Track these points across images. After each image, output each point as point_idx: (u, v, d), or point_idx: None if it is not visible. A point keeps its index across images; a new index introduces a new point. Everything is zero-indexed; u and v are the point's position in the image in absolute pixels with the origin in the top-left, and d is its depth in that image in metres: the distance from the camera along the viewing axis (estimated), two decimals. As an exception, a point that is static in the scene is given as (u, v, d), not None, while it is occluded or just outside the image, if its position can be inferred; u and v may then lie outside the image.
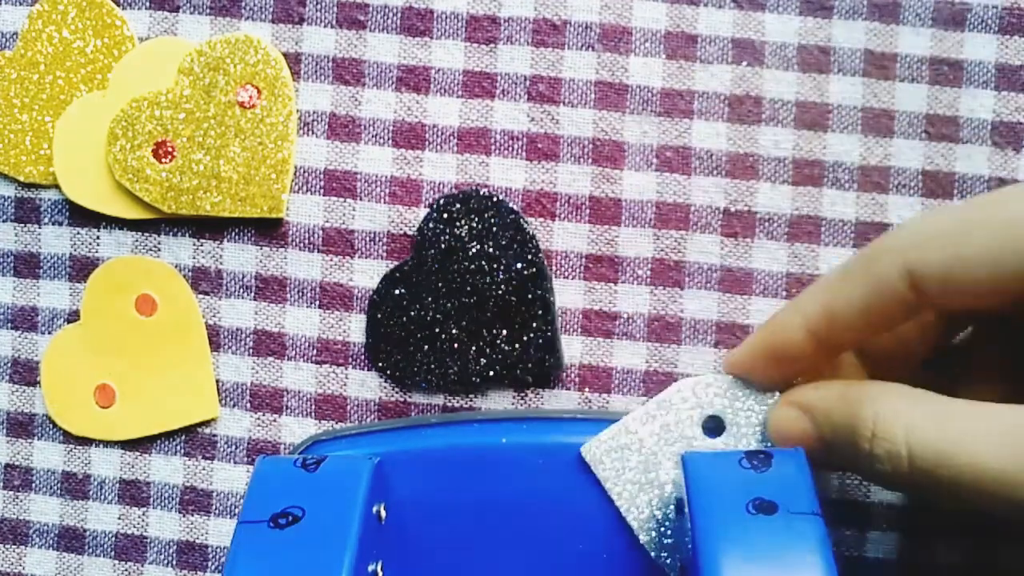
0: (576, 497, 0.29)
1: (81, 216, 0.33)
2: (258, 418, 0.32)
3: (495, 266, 0.31)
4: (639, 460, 0.29)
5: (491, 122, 0.31)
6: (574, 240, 0.31)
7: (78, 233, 0.33)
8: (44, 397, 0.33)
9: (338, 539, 0.24)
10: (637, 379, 0.31)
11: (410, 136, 0.31)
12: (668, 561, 0.29)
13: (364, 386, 0.32)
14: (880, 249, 0.25)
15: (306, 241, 0.32)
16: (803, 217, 0.31)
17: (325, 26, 0.32)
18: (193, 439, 0.33)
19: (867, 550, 0.31)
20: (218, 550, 0.33)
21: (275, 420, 0.32)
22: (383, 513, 0.28)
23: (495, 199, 0.31)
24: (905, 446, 0.23)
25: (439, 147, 0.31)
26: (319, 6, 0.32)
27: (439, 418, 0.31)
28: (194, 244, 0.32)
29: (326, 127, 0.32)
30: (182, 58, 0.31)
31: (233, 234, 0.32)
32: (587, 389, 0.31)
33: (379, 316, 0.31)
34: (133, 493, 0.33)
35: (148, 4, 0.32)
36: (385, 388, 0.32)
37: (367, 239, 0.32)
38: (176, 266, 0.32)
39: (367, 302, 0.32)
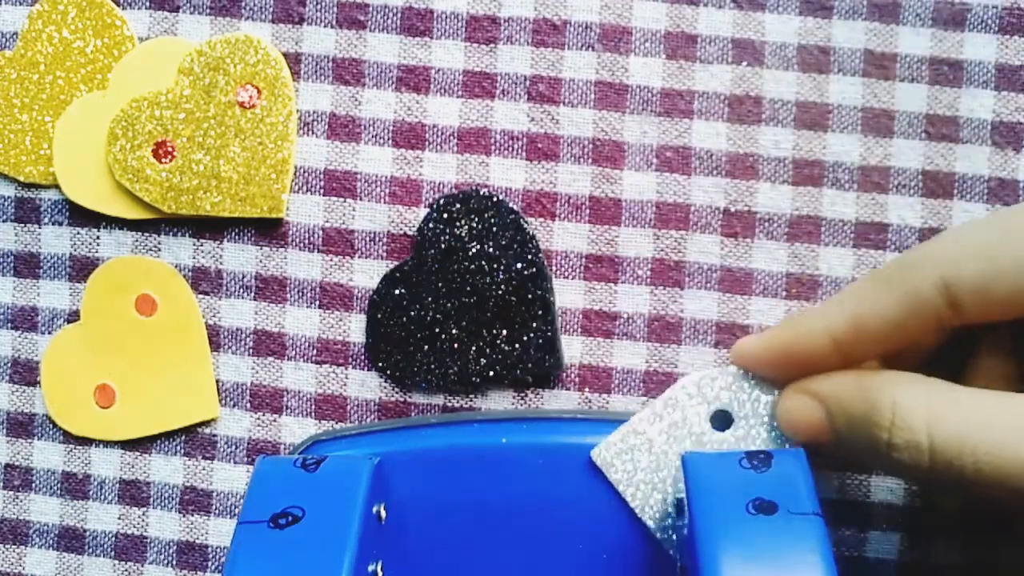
0: (576, 497, 0.29)
1: (81, 216, 0.33)
2: (258, 418, 0.32)
3: (495, 266, 0.31)
4: (650, 460, 0.29)
5: (491, 122, 0.31)
6: (574, 240, 0.31)
7: (78, 233, 0.33)
8: (44, 397, 0.33)
9: (338, 539, 0.24)
10: (637, 379, 0.31)
11: (410, 136, 0.31)
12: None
13: (364, 386, 0.32)
14: (913, 262, 0.24)
15: (306, 241, 0.32)
16: (803, 217, 0.31)
17: (325, 26, 0.32)
18: (193, 439, 0.33)
19: (867, 550, 0.31)
20: (218, 550, 0.33)
21: (275, 420, 0.32)
22: (383, 513, 0.28)
23: (495, 199, 0.31)
24: (926, 435, 0.23)
25: (439, 147, 0.31)
26: (319, 6, 0.32)
27: (439, 418, 0.31)
28: (194, 244, 0.32)
29: (326, 127, 0.32)
30: (182, 58, 0.31)
31: (233, 234, 0.32)
32: (587, 389, 0.31)
33: (379, 316, 0.31)
34: (133, 493, 0.33)
35: (148, 4, 0.32)
36: (385, 388, 0.32)
37: (367, 239, 0.32)
38: (176, 266, 0.32)
39: (367, 302, 0.32)
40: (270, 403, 0.32)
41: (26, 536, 0.33)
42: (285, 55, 0.32)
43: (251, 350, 0.32)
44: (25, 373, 0.33)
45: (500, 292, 0.31)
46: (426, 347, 0.31)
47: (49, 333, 0.33)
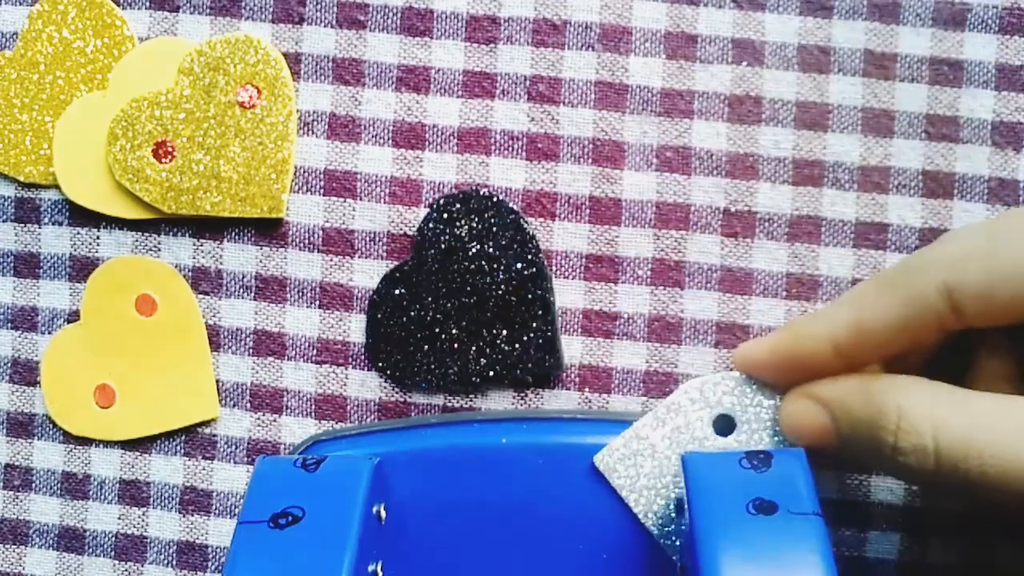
0: (576, 497, 0.29)
1: (81, 216, 0.33)
2: (258, 418, 0.32)
3: (495, 266, 0.31)
4: (653, 465, 0.29)
5: (491, 122, 0.31)
6: (574, 240, 0.31)
7: (78, 233, 0.33)
8: (44, 397, 0.33)
9: (338, 539, 0.24)
10: (637, 379, 0.31)
11: (410, 136, 0.31)
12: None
13: (364, 386, 0.32)
14: (916, 266, 0.24)
15: (306, 241, 0.32)
16: (803, 217, 0.31)
17: (325, 26, 0.32)
18: (193, 439, 0.33)
19: (867, 550, 0.31)
20: (218, 550, 0.33)
21: (275, 420, 0.32)
22: (383, 513, 0.28)
23: (495, 199, 0.31)
24: (932, 439, 0.23)
25: (439, 147, 0.31)
26: (319, 6, 0.32)
27: (439, 418, 0.31)
28: (194, 244, 0.32)
29: (326, 127, 0.32)
30: (182, 58, 0.31)
31: (233, 234, 0.32)
32: (587, 389, 0.31)
33: (379, 316, 0.31)
34: (133, 493, 0.33)
35: (148, 4, 0.32)
36: (385, 388, 0.32)
37: (367, 239, 0.32)
38: (176, 266, 0.32)
39: (367, 302, 0.32)
40: (270, 403, 0.32)
41: (26, 536, 0.33)
42: (285, 55, 0.32)
43: (251, 350, 0.32)
44: (25, 373, 0.33)
45: (500, 292, 0.31)
46: (426, 347, 0.31)
47: (49, 333, 0.33)
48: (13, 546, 0.33)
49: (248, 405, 0.32)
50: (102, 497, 0.33)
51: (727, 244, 0.31)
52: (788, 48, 0.31)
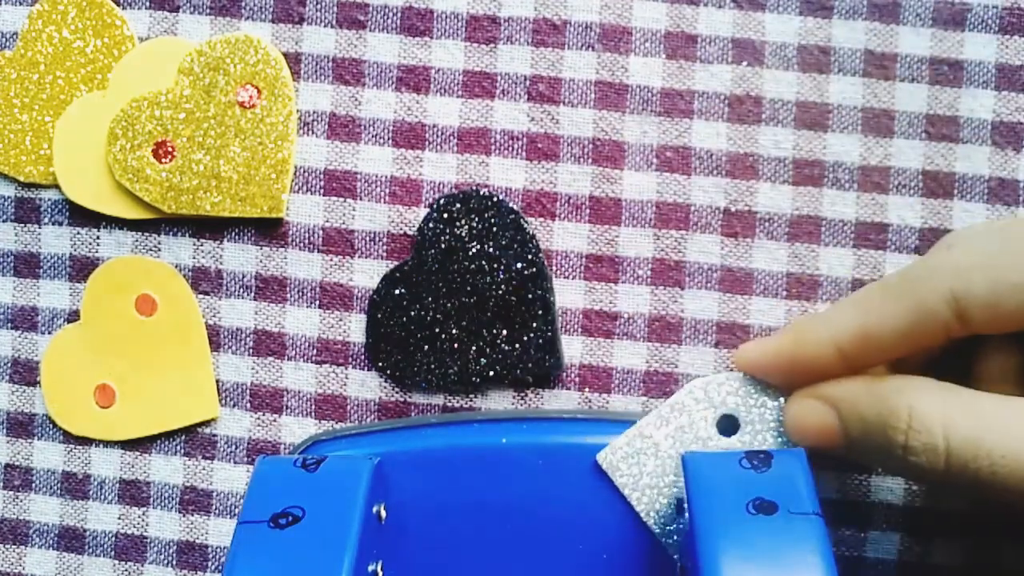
0: (576, 497, 0.29)
1: (81, 216, 0.33)
2: (258, 418, 0.32)
3: (495, 266, 0.31)
4: (656, 464, 0.29)
5: (491, 122, 0.31)
6: (574, 240, 0.31)
7: (78, 233, 0.33)
8: (44, 397, 0.33)
9: (338, 539, 0.24)
10: (637, 379, 0.31)
11: (410, 136, 0.31)
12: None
13: (364, 386, 0.32)
14: (922, 274, 0.24)
15: (306, 241, 0.32)
16: (803, 217, 0.31)
17: (325, 26, 0.32)
18: (193, 439, 0.33)
19: (867, 550, 0.31)
20: (218, 550, 0.33)
21: (275, 420, 0.32)
22: (383, 513, 0.28)
23: (495, 199, 0.31)
24: (943, 439, 0.23)
25: (439, 147, 0.31)
26: (319, 6, 0.32)
27: (439, 418, 0.31)
28: (194, 244, 0.32)
29: (326, 127, 0.32)
30: (182, 58, 0.31)
31: (233, 234, 0.32)
32: (587, 389, 0.31)
33: (379, 316, 0.31)
34: (133, 493, 0.33)
35: (148, 4, 0.32)
36: (385, 388, 0.32)
37: (367, 239, 0.32)
38: (176, 266, 0.32)
39: (367, 302, 0.32)
40: (270, 403, 0.32)
41: (26, 536, 0.33)
42: (285, 55, 0.32)
43: (251, 350, 0.32)
44: (25, 373, 0.33)
45: (500, 292, 0.31)
46: (426, 347, 0.31)
47: (49, 333, 0.33)
48: (13, 546, 0.33)
49: (248, 405, 0.32)
50: (102, 497, 0.33)
51: (727, 244, 0.31)
52: (788, 48, 0.31)
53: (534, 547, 0.29)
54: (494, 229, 0.31)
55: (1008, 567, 0.30)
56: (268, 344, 0.32)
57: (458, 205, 0.31)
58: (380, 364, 0.31)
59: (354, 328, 0.32)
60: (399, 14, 0.31)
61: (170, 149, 0.31)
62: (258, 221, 0.32)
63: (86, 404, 0.32)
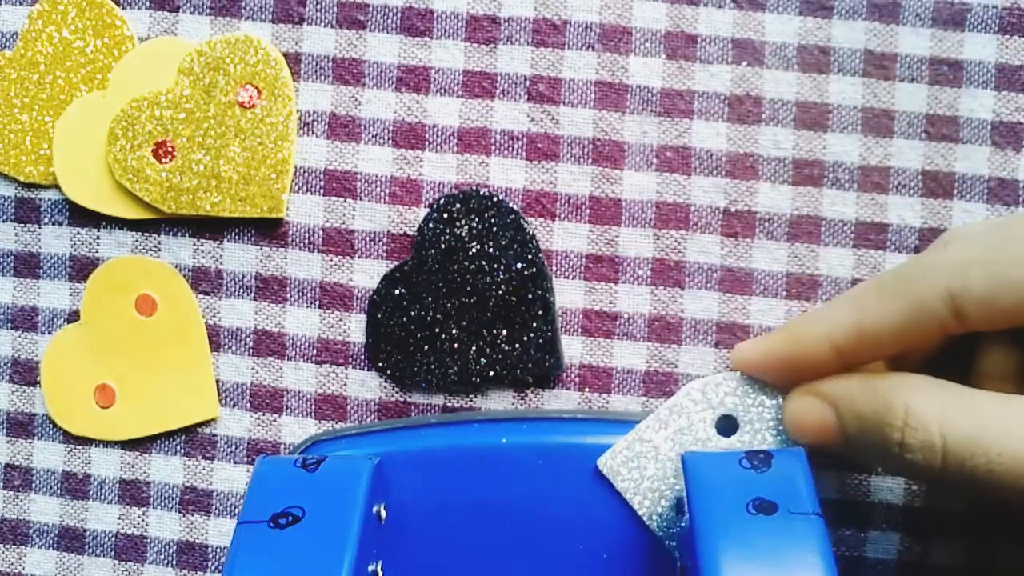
0: (576, 497, 0.29)
1: (81, 216, 0.33)
2: (258, 418, 0.32)
3: (495, 266, 0.31)
4: (657, 468, 0.29)
5: (491, 122, 0.31)
6: (574, 240, 0.31)
7: (78, 233, 0.33)
8: (44, 397, 0.33)
9: (338, 539, 0.24)
10: (637, 379, 0.31)
11: (410, 136, 0.31)
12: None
13: (364, 386, 0.32)
14: (918, 272, 0.24)
15: (306, 241, 0.32)
16: (803, 217, 0.31)
17: (325, 26, 0.32)
18: (193, 439, 0.33)
19: (867, 550, 0.31)
20: (218, 550, 0.33)
21: (275, 420, 0.32)
22: (383, 513, 0.28)
23: (495, 199, 0.31)
24: (940, 436, 0.23)
25: (439, 147, 0.31)
26: (319, 6, 0.32)
27: (439, 418, 0.31)
28: (194, 244, 0.32)
29: (326, 127, 0.32)
30: (182, 58, 0.31)
31: (233, 234, 0.32)
32: (587, 389, 0.31)
33: (379, 316, 0.31)
34: (133, 493, 0.33)
35: (148, 4, 0.32)
36: (385, 388, 0.32)
37: (367, 239, 0.32)
38: (176, 266, 0.32)
39: (367, 302, 0.32)
40: (270, 403, 0.32)
41: (26, 536, 0.33)
42: (285, 55, 0.32)
43: (251, 350, 0.32)
44: (25, 373, 0.33)
45: (500, 292, 0.31)
46: (426, 347, 0.31)
47: (49, 333, 0.33)
48: (13, 546, 0.33)
49: (248, 405, 0.32)
50: (102, 497, 0.33)
51: (727, 244, 0.31)
52: (788, 48, 0.31)
53: (534, 547, 0.29)
54: (494, 229, 0.31)
55: (1006, 565, 0.30)
56: (268, 344, 0.32)
57: (458, 205, 0.31)
58: (380, 364, 0.31)
59: (354, 328, 0.32)
60: (399, 14, 0.31)
61: (170, 149, 0.31)
62: (258, 221, 0.32)
63: (86, 404, 0.33)
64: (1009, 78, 0.30)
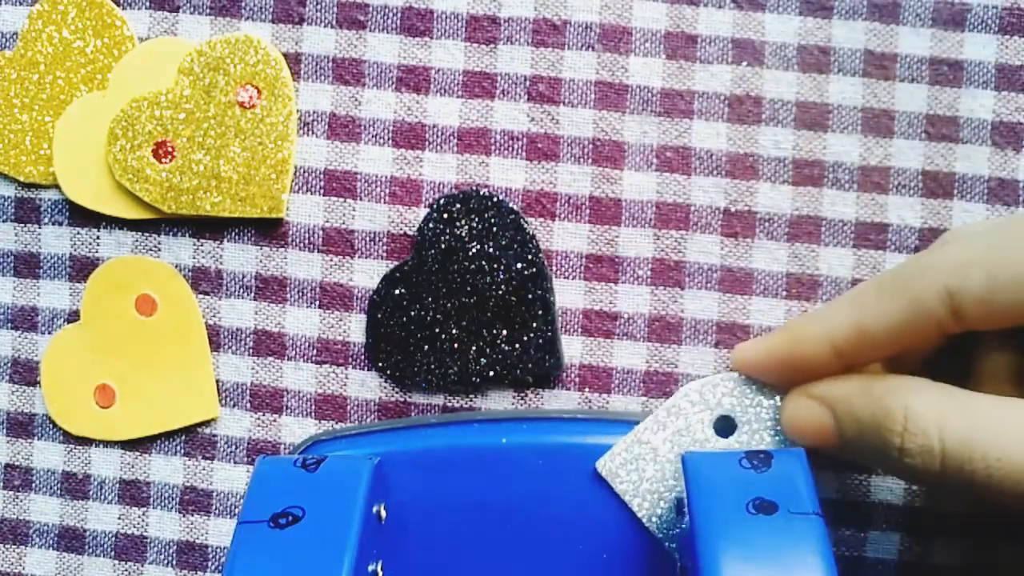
0: (576, 497, 0.29)
1: (81, 216, 0.33)
2: (258, 418, 0.32)
3: (495, 266, 0.31)
4: (655, 469, 0.29)
5: (491, 122, 0.31)
6: (574, 240, 0.31)
7: (78, 233, 0.33)
8: (44, 397, 0.33)
9: (338, 539, 0.24)
10: (637, 379, 0.31)
11: (410, 136, 0.31)
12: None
13: (364, 386, 0.32)
14: (917, 271, 0.24)
15: (306, 241, 0.32)
16: (803, 217, 0.31)
17: (325, 26, 0.32)
18: (193, 439, 0.33)
19: (867, 550, 0.31)
20: (218, 550, 0.33)
21: (275, 420, 0.32)
22: (383, 513, 0.28)
23: (495, 199, 0.31)
24: (938, 440, 0.23)
25: (439, 147, 0.31)
26: (319, 6, 0.32)
27: (439, 418, 0.31)
28: (194, 244, 0.32)
29: (326, 127, 0.32)
30: (182, 58, 0.31)
31: (233, 234, 0.32)
32: (587, 389, 0.31)
33: (379, 316, 0.31)
34: (133, 493, 0.33)
35: (148, 4, 0.32)
36: (385, 388, 0.32)
37: (367, 239, 0.32)
38: (176, 266, 0.32)
39: (367, 302, 0.32)
40: (270, 403, 0.32)
41: (26, 536, 0.33)
42: (285, 55, 0.32)
43: (251, 350, 0.32)
44: (25, 373, 0.33)
45: (500, 292, 0.31)
46: (426, 347, 0.31)
47: (49, 333, 0.33)
48: (13, 546, 0.33)
49: (248, 405, 0.32)
50: (102, 497, 0.33)
51: (727, 244, 0.31)
52: (788, 48, 0.31)
53: (534, 547, 0.29)
54: (494, 229, 0.31)
55: (1006, 567, 0.30)
56: (268, 344, 0.32)
57: (458, 205, 0.31)
58: (380, 364, 0.31)
59: (354, 328, 0.32)
60: (399, 14, 0.31)
61: (170, 149, 0.31)
62: (258, 221, 0.32)
63: (86, 404, 0.33)
64: (1009, 78, 0.30)
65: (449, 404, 0.32)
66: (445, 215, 0.31)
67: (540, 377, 0.31)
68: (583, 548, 0.29)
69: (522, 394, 0.31)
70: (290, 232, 0.32)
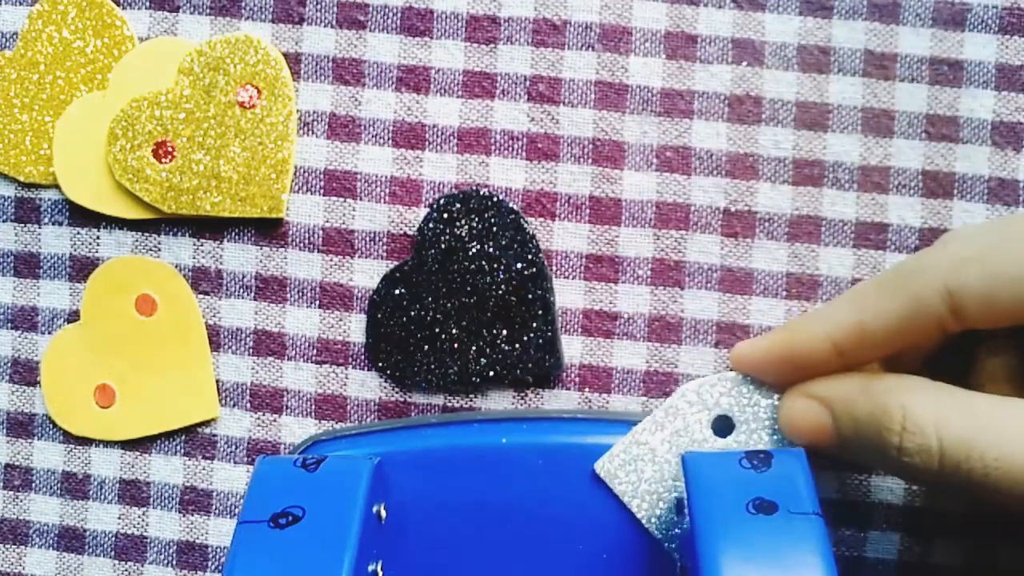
0: (576, 497, 0.29)
1: (81, 216, 0.33)
2: (258, 418, 0.32)
3: (495, 266, 0.31)
4: (654, 470, 0.29)
5: (491, 122, 0.31)
6: (574, 240, 0.31)
7: (78, 233, 0.33)
8: (44, 397, 0.33)
9: (338, 539, 0.24)
10: (637, 379, 0.31)
11: (410, 136, 0.31)
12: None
13: (364, 386, 0.32)
14: (917, 269, 0.24)
15: (306, 241, 0.32)
16: (803, 217, 0.31)
17: (325, 26, 0.32)
18: (193, 439, 0.33)
19: (867, 550, 0.31)
20: (218, 550, 0.33)
21: (275, 420, 0.32)
22: (383, 513, 0.28)
23: (495, 199, 0.31)
24: (936, 439, 0.23)
25: (439, 147, 0.31)
26: (319, 6, 0.32)
27: (439, 418, 0.31)
28: (194, 244, 0.32)
29: (326, 127, 0.32)
30: (182, 58, 0.31)
31: (233, 234, 0.32)
32: (587, 389, 0.31)
33: (379, 316, 0.31)
34: (133, 493, 0.33)
35: (148, 4, 0.32)
36: (385, 388, 0.32)
37: (367, 239, 0.32)
38: (176, 266, 0.32)
39: (367, 302, 0.32)
40: (270, 403, 0.32)
41: (26, 536, 0.33)
42: (285, 55, 0.32)
43: (251, 350, 0.32)
44: (25, 373, 0.33)
45: (500, 292, 0.31)
46: (426, 347, 0.31)
47: (49, 333, 0.33)
48: (13, 546, 0.33)
49: (248, 405, 0.32)
50: (102, 497, 0.33)
51: (727, 244, 0.31)
52: (788, 48, 0.31)
53: (534, 547, 0.29)
54: (494, 229, 0.31)
55: (1006, 567, 0.30)
56: (268, 344, 0.32)
57: (458, 205, 0.31)
58: (380, 364, 0.31)
59: (354, 328, 0.32)
60: (399, 14, 0.31)
61: (170, 149, 0.31)
62: (258, 221, 0.32)
63: (86, 404, 0.33)
64: (1009, 78, 0.30)
65: (449, 404, 0.32)
66: (445, 215, 0.31)
67: (540, 377, 0.31)
68: (583, 548, 0.29)
69: (522, 394, 0.31)
70: (290, 232, 0.32)
